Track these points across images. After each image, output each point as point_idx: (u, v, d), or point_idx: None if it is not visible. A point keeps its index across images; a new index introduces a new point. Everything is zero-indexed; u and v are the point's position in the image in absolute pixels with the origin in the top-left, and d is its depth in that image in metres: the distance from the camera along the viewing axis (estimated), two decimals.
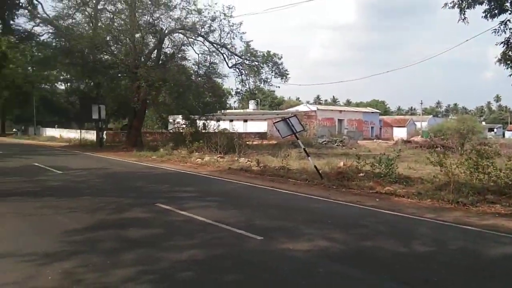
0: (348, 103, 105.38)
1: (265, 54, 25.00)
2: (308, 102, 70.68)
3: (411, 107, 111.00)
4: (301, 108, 56.05)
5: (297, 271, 4.87)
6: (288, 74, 25.65)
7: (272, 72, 25.20)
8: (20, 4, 24.46)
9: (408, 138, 45.47)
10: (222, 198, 9.59)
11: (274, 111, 65.84)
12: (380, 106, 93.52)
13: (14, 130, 49.45)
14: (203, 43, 24.85)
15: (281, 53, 30.96)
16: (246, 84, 26.34)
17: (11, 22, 25.20)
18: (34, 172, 13.66)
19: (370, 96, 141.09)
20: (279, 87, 28.08)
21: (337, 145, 33.86)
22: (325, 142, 34.76)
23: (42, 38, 25.92)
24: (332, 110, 58.44)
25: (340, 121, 54.22)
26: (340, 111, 58.13)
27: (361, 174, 12.11)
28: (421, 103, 72.89)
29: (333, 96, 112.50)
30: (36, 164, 15.78)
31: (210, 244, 5.82)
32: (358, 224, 7.27)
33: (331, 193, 10.53)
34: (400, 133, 57.21)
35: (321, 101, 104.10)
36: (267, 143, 28.62)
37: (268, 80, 25.55)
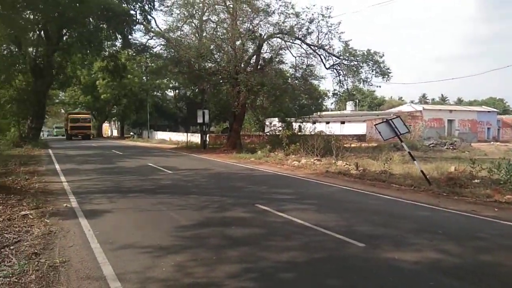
0: (459, 102, 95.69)
1: (365, 53, 24.10)
2: (412, 102, 66.18)
3: None
4: (405, 108, 52.71)
5: (404, 282, 4.58)
6: (390, 72, 24.44)
7: (372, 72, 24.25)
8: (137, 21, 27.54)
9: None
10: (320, 201, 9.48)
11: (374, 112, 63.05)
12: (498, 105, 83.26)
13: (131, 133, 55.69)
14: (300, 45, 24.97)
15: (383, 50, 29.46)
16: (344, 85, 25.80)
17: (130, 37, 28.59)
18: (148, 171, 15.16)
19: (485, 94, 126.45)
20: (380, 86, 26.95)
21: (446, 148, 30.99)
22: (432, 145, 32.12)
23: (155, 50, 28.80)
24: (440, 109, 53.75)
25: (450, 121, 49.65)
26: (450, 110, 53.14)
27: (476, 181, 10.92)
28: None
29: (442, 95, 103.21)
30: (150, 164, 17.48)
31: (310, 247, 5.79)
32: (474, 236, 6.55)
33: (441, 200, 9.67)
34: None
35: (427, 100, 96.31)
36: (366, 146, 27.47)
37: (368, 80, 24.65)
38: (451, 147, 31.61)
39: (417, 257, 5.37)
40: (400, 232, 6.64)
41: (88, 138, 46.66)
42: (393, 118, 12.56)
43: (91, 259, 5.16)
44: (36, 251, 5.40)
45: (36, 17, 25.40)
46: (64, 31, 29.75)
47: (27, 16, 24.92)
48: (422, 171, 11.73)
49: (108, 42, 31.28)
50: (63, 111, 64.89)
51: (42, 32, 29.26)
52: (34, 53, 30.75)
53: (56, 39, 29.62)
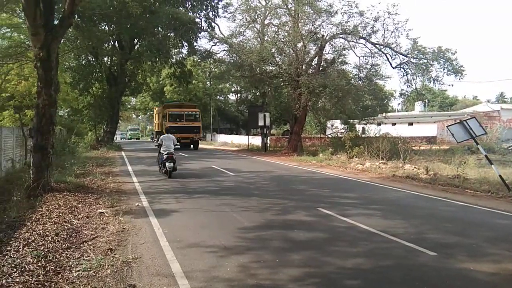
0: None
1: (436, 50, 22.75)
2: (489, 101, 61.18)
3: None
4: (480, 108, 48.96)
5: None
6: (463, 70, 22.85)
7: (444, 70, 22.81)
8: (202, 28, 28.58)
9: None
10: (386, 206, 9.09)
11: (446, 112, 59.29)
12: None
13: None
14: (364, 45, 24.25)
15: (456, 47, 27.63)
16: (412, 84, 24.60)
17: (195, 44, 29.76)
18: (212, 173, 15.60)
19: None
20: (452, 85, 25.25)
21: None
22: (511, 148, 29.38)
23: (218, 55, 29.69)
24: None
25: None
26: None
27: None
28: None
29: None
30: (214, 166, 17.99)
31: (376, 254, 5.57)
32: None
33: None
34: None
35: (505, 99, 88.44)
36: (437, 148, 25.82)
37: (439, 79, 23.22)
38: None
39: (494, 268, 4.97)
40: (475, 241, 6.15)
41: (196, 147, 30.61)
42: (468, 119, 11.71)
43: (161, 256, 5.42)
44: (111, 247, 5.80)
45: (111, 28, 27.47)
46: (136, 40, 31.78)
47: (103, 28, 27.08)
48: (500, 176, 10.79)
49: (175, 50, 32.83)
50: (134, 115, 69.74)
51: (116, 43, 31.50)
52: (109, 62, 33.22)
53: (128, 48, 31.72)
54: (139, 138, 65.87)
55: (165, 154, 13.79)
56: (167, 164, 13.59)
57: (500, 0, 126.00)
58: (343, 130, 26.06)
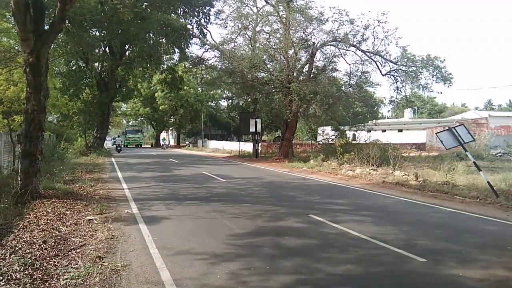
0: None
1: (425, 58, 23.08)
2: (477, 108, 62.13)
3: None
4: (468, 115, 49.61)
5: None
6: (452, 78, 23.18)
7: (433, 77, 23.14)
8: (194, 34, 28.63)
9: None
10: (376, 213, 9.14)
11: (435, 119, 59.99)
12: None
13: (186, 142, 57.61)
14: (355, 52, 24.46)
15: (444, 55, 28.03)
16: (401, 92, 24.81)
17: (186, 50, 29.77)
18: (203, 179, 15.55)
19: None
20: (441, 93, 25.57)
21: None
22: (499, 154, 29.79)
23: (210, 62, 29.71)
24: (508, 116, 49.85)
25: None
26: None
27: None
28: None
29: (510, 101, 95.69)
30: (205, 172, 17.93)
31: (366, 260, 5.58)
32: None
33: (510, 214, 8.93)
34: None
35: (493, 107, 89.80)
36: (426, 155, 26.11)
37: (428, 86, 23.54)
38: None
39: (483, 274, 5.02)
40: (464, 247, 6.21)
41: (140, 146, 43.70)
42: (456, 126, 11.86)
43: (150, 264, 5.36)
44: (100, 254, 5.73)
45: (102, 34, 27.34)
46: (127, 46, 31.68)
47: (94, 33, 26.95)
48: (488, 182, 10.93)
49: (167, 56, 32.80)
50: (124, 121, 68.75)
51: (107, 48, 31.37)
52: (99, 68, 33.05)
53: (119, 54, 31.61)
54: (141, 145, 55.70)
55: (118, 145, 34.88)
56: (118, 148, 31.98)
57: (488, 9, 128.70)
58: (333, 137, 26.16)
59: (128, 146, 52.68)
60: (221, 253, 5.80)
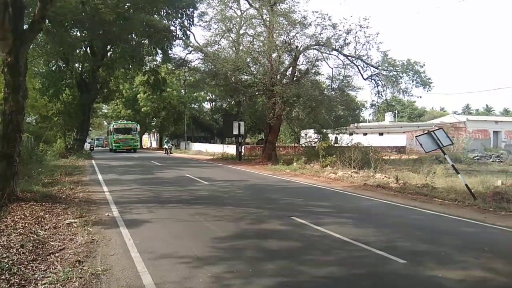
0: (505, 112, 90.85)
1: (405, 63, 23.54)
2: (455, 113, 63.66)
3: None
4: (447, 119, 50.73)
5: None
6: (431, 82, 23.72)
7: (412, 82, 23.63)
8: (177, 36, 28.47)
9: None
10: (358, 215, 9.25)
11: (415, 123, 61.15)
12: None
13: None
14: (337, 56, 24.79)
15: (424, 61, 28.69)
16: (382, 96, 25.26)
17: (169, 51, 29.58)
18: (186, 182, 15.43)
19: None
20: (420, 97, 26.23)
21: (492, 161, 29.38)
22: (477, 157, 30.56)
23: (193, 64, 29.57)
24: (485, 120, 51.24)
25: (496, 133, 47.14)
26: (496, 121, 50.51)
27: None
28: None
29: (486, 105, 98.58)
30: (187, 175, 17.80)
31: (348, 262, 5.64)
32: None
33: (487, 216, 9.17)
34: None
35: (471, 111, 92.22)
36: (406, 158, 26.61)
37: (408, 90, 24.03)
38: (497, 160, 29.93)
39: (462, 275, 5.12)
40: (443, 249, 6.34)
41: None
42: (436, 130, 12.13)
43: (131, 268, 5.29)
44: (79, 259, 5.61)
45: (83, 34, 26.92)
46: (109, 47, 31.25)
47: (75, 33, 26.51)
48: (466, 185, 11.20)
49: (149, 57, 32.53)
50: (105, 123, 67.52)
51: (88, 49, 30.90)
52: (80, 69, 32.50)
53: (101, 55, 31.17)
54: (135, 150, 42.07)
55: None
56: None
57: (467, 15, 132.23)
58: (316, 140, 26.39)
59: (118, 151, 40.21)
60: (204, 256, 5.76)
